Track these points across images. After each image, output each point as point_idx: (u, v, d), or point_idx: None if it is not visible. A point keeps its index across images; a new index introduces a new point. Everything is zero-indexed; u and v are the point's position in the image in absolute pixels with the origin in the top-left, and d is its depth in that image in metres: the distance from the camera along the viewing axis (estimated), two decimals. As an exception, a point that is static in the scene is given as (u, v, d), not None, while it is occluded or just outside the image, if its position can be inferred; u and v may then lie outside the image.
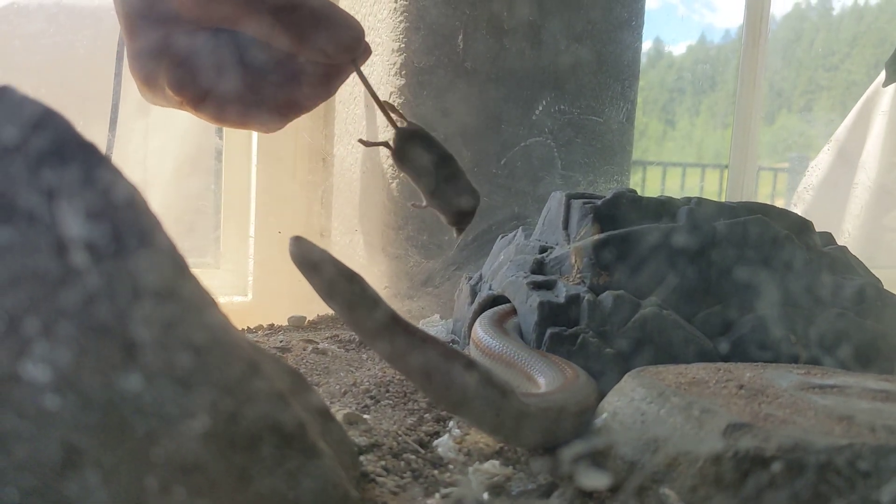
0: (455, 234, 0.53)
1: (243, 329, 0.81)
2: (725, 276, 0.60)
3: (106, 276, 0.19)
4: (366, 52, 0.50)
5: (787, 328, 0.57)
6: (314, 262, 0.37)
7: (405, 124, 0.52)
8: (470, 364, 0.39)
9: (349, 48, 0.47)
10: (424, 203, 0.52)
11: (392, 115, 0.52)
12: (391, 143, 0.52)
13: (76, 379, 0.19)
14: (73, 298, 0.19)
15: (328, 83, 0.52)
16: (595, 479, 0.40)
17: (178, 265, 0.22)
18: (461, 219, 0.52)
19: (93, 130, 0.81)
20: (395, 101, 0.90)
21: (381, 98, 0.52)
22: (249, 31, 0.47)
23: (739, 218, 0.61)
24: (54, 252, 0.19)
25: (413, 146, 0.51)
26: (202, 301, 0.22)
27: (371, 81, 0.94)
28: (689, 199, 0.64)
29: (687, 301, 0.59)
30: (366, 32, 0.94)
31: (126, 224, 0.20)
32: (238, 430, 0.22)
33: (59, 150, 0.20)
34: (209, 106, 0.50)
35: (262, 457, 0.23)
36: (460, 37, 0.88)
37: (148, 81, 0.51)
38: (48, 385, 0.18)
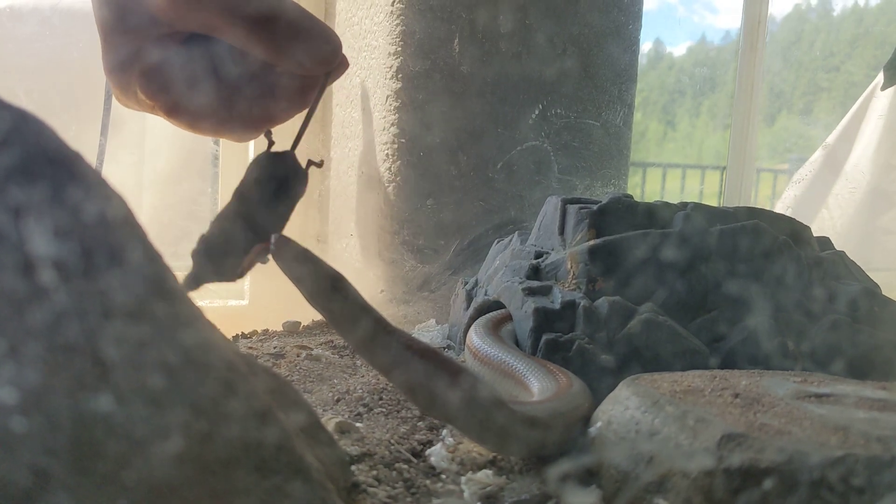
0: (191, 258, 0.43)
1: (238, 335, 0.80)
2: (720, 285, 0.59)
3: (75, 296, 0.19)
4: (342, 65, 0.49)
5: (782, 338, 0.57)
6: (296, 262, 0.37)
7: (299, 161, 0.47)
8: (455, 373, 0.38)
9: (325, 61, 0.47)
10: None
11: (300, 136, 0.48)
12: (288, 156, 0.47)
13: (44, 401, 0.18)
14: (41, 318, 0.18)
15: (303, 95, 0.51)
16: (583, 498, 0.39)
17: (153, 283, 0.21)
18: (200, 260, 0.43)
19: (87, 134, 0.81)
20: (392, 104, 0.90)
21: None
22: (226, 40, 0.47)
23: (735, 223, 0.61)
24: (21, 271, 0.18)
25: (272, 169, 0.45)
26: (178, 320, 0.22)
27: (367, 84, 0.94)
28: (685, 205, 0.63)
29: (682, 308, 0.59)
30: (363, 35, 0.94)
31: (97, 242, 0.20)
32: (214, 451, 0.21)
33: (29, 163, 0.19)
34: (182, 113, 0.50)
35: (240, 476, 0.22)
36: (456, 41, 0.88)
37: (122, 86, 0.51)
38: (15, 407, 0.18)
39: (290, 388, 0.33)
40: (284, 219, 0.46)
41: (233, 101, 0.51)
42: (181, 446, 0.20)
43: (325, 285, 0.38)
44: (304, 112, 0.52)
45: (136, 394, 0.19)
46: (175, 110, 0.50)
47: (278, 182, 0.46)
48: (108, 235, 0.20)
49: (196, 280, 0.42)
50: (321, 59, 0.47)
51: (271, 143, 0.48)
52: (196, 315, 0.23)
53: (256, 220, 0.44)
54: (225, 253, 0.43)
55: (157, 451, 0.19)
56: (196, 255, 0.42)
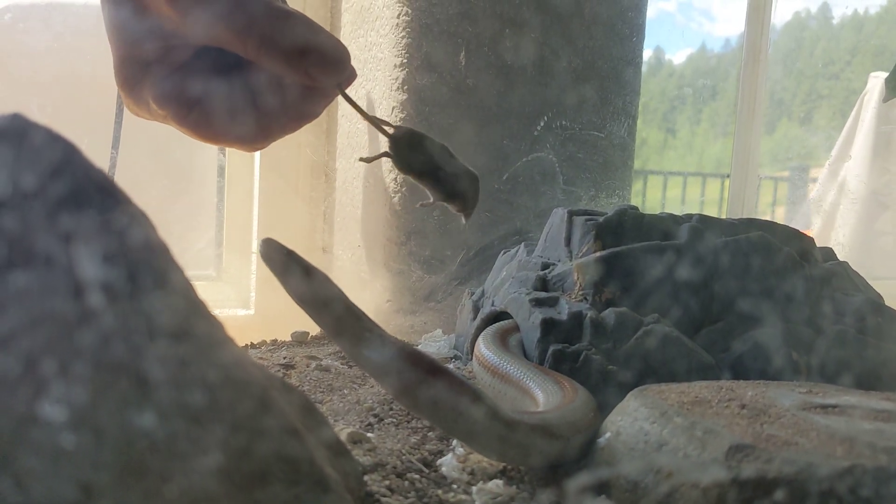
0: (463, 220, 0.55)
1: (247, 344, 0.81)
2: (727, 295, 0.60)
3: (122, 318, 0.19)
4: (351, 76, 0.50)
5: (787, 349, 0.58)
6: (282, 261, 0.38)
7: (393, 130, 0.53)
8: (472, 393, 0.39)
9: (340, 76, 0.49)
10: (432, 200, 0.53)
11: (381, 124, 0.53)
12: (389, 151, 0.53)
13: (91, 418, 0.19)
14: (89, 340, 0.19)
15: (311, 105, 0.52)
16: (596, 508, 0.40)
17: (193, 304, 0.22)
18: (466, 203, 0.53)
19: (97, 146, 0.82)
20: (398, 115, 0.91)
21: (369, 112, 0.53)
22: (263, 66, 0.48)
23: (742, 236, 0.62)
24: (71, 295, 0.19)
25: (409, 148, 0.52)
26: (216, 339, 0.23)
27: (374, 96, 0.95)
28: (690, 216, 0.64)
29: (689, 319, 0.59)
30: (369, 47, 0.95)
31: (141, 266, 0.20)
32: (250, 466, 0.22)
33: (79, 191, 0.20)
34: (193, 122, 0.51)
35: (273, 490, 0.23)
36: (462, 54, 0.89)
37: (134, 96, 0.51)
38: (64, 424, 0.19)
39: (311, 409, 0.33)
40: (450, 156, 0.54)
41: (245, 112, 0.51)
42: (221, 461, 0.21)
43: (308, 283, 0.39)
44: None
45: (179, 410, 0.20)
46: (187, 120, 0.51)
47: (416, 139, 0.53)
48: (153, 259, 0.21)
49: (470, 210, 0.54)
50: (342, 78, 0.48)
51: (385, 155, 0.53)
52: (227, 337, 0.24)
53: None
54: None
55: (199, 466, 0.20)
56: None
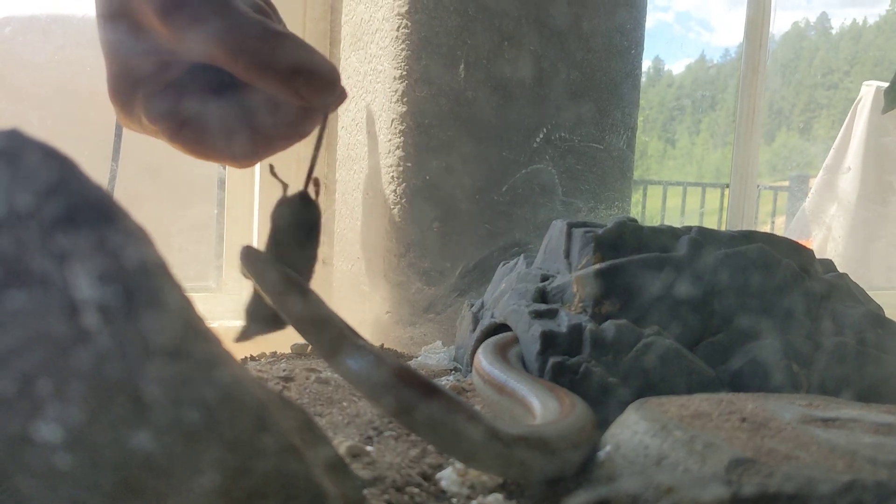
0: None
1: (246, 357, 0.81)
2: (727, 308, 0.60)
3: (116, 338, 0.19)
4: (342, 96, 0.51)
5: (788, 361, 0.57)
6: (263, 271, 0.38)
7: (308, 189, 0.46)
8: (468, 412, 0.39)
9: (331, 96, 0.49)
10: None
11: (309, 173, 0.46)
12: (286, 193, 0.46)
13: (86, 440, 0.19)
14: (82, 360, 0.19)
15: (303, 122, 0.53)
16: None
17: (189, 322, 0.22)
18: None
19: (97, 159, 0.82)
20: (397, 127, 0.91)
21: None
22: (259, 86, 0.48)
23: (742, 248, 0.62)
24: (64, 315, 0.19)
25: (296, 214, 0.45)
26: (212, 357, 0.22)
27: (372, 108, 0.95)
28: (689, 228, 0.64)
29: (688, 332, 0.59)
30: (368, 59, 0.96)
31: (138, 286, 0.20)
32: (247, 484, 0.22)
33: (73, 211, 0.20)
34: (184, 138, 0.51)
35: (268, 508, 0.23)
36: (461, 66, 0.89)
37: (126, 109, 0.52)
38: (59, 445, 0.19)
39: (311, 425, 0.33)
40: (314, 259, 0.46)
41: (236, 129, 0.52)
42: (217, 480, 0.20)
43: (292, 293, 0.39)
44: (308, 146, 0.52)
45: (176, 431, 0.20)
46: (179, 136, 0.51)
47: (307, 227, 0.46)
48: (148, 279, 0.21)
49: (246, 334, 0.44)
50: (332, 99, 0.49)
51: (285, 187, 0.47)
52: (226, 355, 0.24)
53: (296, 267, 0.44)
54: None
55: (194, 485, 0.20)
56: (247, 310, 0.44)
